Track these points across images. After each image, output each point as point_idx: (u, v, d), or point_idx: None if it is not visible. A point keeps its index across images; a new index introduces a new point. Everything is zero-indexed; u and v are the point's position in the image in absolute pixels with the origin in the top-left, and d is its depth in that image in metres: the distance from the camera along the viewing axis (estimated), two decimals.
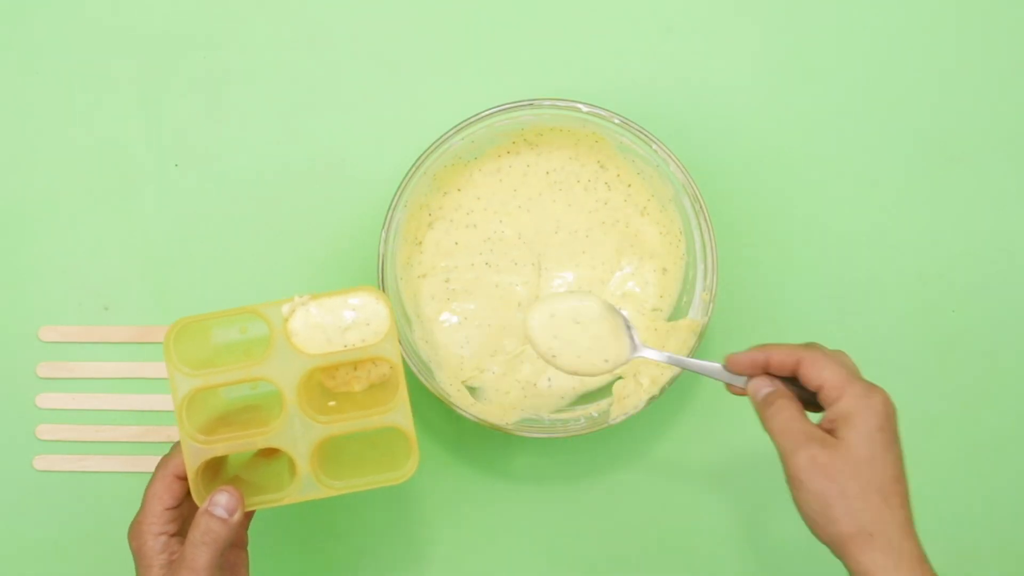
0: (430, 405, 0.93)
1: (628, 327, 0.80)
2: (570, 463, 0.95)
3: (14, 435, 0.95)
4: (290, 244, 0.96)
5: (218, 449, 0.77)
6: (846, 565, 0.68)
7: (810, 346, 0.73)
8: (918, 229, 0.96)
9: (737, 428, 0.95)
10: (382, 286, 0.87)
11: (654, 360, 0.79)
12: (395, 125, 0.96)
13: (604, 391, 0.91)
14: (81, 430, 0.95)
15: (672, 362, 0.79)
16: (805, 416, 0.71)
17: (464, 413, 0.87)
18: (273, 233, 0.96)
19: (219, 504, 0.75)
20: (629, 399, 0.88)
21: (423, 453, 0.94)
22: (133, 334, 0.95)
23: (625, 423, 0.87)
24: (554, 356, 0.79)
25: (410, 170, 0.87)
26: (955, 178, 0.97)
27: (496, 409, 0.90)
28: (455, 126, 0.87)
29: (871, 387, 0.70)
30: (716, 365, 0.77)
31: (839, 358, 0.72)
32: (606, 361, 0.79)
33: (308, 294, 0.78)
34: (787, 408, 0.71)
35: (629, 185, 0.92)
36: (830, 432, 0.70)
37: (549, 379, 0.91)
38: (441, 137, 0.87)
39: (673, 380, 0.87)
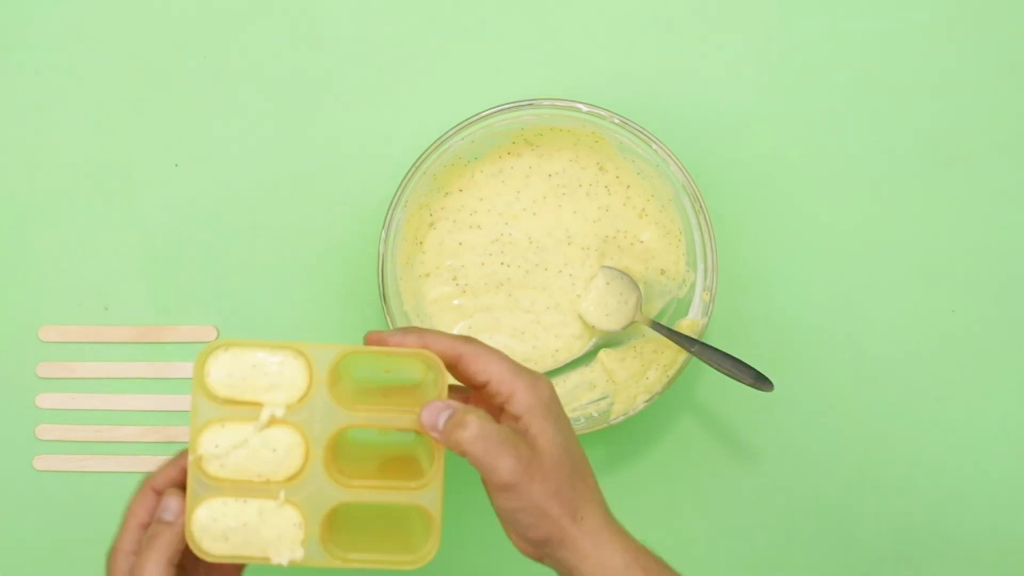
0: None
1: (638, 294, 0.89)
2: None
3: (14, 435, 0.95)
4: (290, 244, 0.95)
5: (225, 490, 0.71)
6: (556, 557, 0.68)
7: (468, 340, 0.70)
8: (918, 229, 0.96)
9: (737, 428, 0.95)
10: (382, 286, 0.87)
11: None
12: (395, 125, 0.96)
13: (599, 390, 0.91)
14: (81, 430, 0.95)
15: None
16: (493, 422, 0.67)
17: None
18: (273, 233, 0.96)
19: (167, 508, 0.71)
20: (630, 400, 0.88)
21: None
22: (133, 334, 0.95)
23: (625, 423, 0.87)
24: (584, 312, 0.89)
25: (410, 170, 0.87)
26: (955, 178, 0.97)
27: None
28: (455, 126, 0.87)
29: (531, 374, 0.68)
30: None
31: (494, 349, 0.69)
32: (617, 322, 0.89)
33: (367, 346, 0.71)
34: (478, 423, 0.66)
35: (628, 186, 0.92)
36: (518, 429, 0.68)
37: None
38: (441, 137, 0.87)
39: (673, 380, 0.87)
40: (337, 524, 0.73)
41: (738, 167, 0.96)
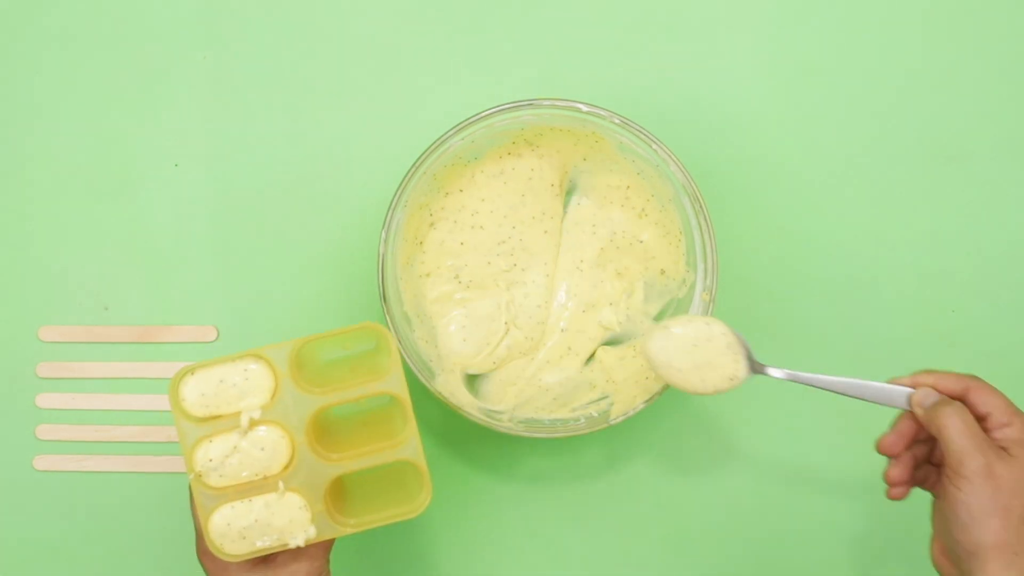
0: (430, 405, 0.93)
1: (744, 347, 0.82)
2: (570, 463, 0.95)
3: (14, 435, 0.95)
4: (290, 244, 0.96)
5: (228, 496, 0.77)
6: (973, 575, 0.70)
7: (975, 376, 0.75)
8: (918, 229, 0.96)
9: (738, 427, 0.95)
10: (382, 286, 0.87)
11: (778, 377, 0.81)
12: (395, 125, 0.96)
13: (599, 390, 0.91)
14: (81, 430, 0.95)
15: (793, 378, 0.81)
16: (981, 429, 0.73)
17: (465, 413, 0.87)
18: (273, 233, 0.96)
19: None
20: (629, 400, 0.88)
21: (424, 453, 0.94)
22: (133, 334, 0.95)
23: (625, 423, 0.87)
24: (674, 379, 0.82)
25: (410, 170, 0.87)
26: (955, 178, 0.97)
27: (497, 407, 0.90)
28: (455, 126, 0.87)
29: None
30: (856, 381, 0.78)
31: (1001, 392, 0.74)
32: (727, 380, 0.82)
33: (314, 335, 0.78)
34: (965, 413, 0.73)
35: (628, 187, 0.92)
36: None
37: (549, 376, 0.92)
38: (441, 137, 0.87)
39: None
40: (342, 497, 0.80)
41: (738, 167, 0.96)
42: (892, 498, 0.78)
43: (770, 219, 0.96)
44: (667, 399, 0.90)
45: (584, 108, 0.87)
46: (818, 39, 0.97)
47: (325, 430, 0.81)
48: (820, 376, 0.80)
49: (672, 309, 0.91)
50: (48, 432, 0.95)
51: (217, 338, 0.95)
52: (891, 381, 0.77)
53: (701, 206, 0.87)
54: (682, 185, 0.88)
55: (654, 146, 0.87)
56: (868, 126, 0.97)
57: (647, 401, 0.87)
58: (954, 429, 0.72)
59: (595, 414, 0.89)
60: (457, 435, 0.95)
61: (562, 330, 0.93)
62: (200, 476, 0.77)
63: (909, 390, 0.76)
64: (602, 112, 0.87)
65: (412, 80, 0.96)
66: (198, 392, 0.77)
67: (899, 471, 0.77)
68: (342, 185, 0.96)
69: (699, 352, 0.82)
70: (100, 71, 0.96)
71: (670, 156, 0.87)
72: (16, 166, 0.96)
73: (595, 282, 0.93)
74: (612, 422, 0.87)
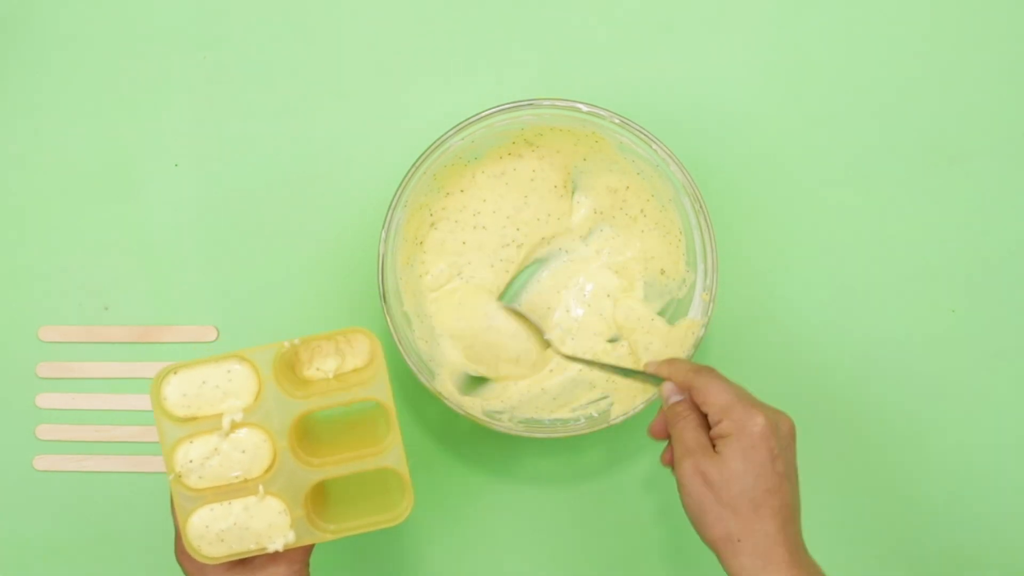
0: (431, 405, 0.93)
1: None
2: (570, 463, 0.95)
3: (14, 435, 0.95)
4: (290, 244, 0.96)
5: (208, 497, 0.76)
6: (722, 565, 0.74)
7: (705, 371, 0.79)
8: (918, 229, 0.96)
9: None
10: (382, 286, 0.87)
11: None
12: (395, 125, 0.96)
13: (599, 390, 0.91)
14: (81, 430, 0.95)
15: (584, 361, 0.86)
16: (702, 429, 0.77)
17: (465, 413, 0.87)
18: (273, 233, 0.96)
19: None
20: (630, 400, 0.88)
21: (424, 453, 0.94)
22: (133, 334, 0.95)
23: (625, 423, 0.87)
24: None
25: (410, 170, 0.87)
26: (955, 178, 0.97)
27: (497, 407, 0.90)
28: (455, 126, 0.87)
29: (753, 411, 0.75)
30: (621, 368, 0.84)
31: (730, 385, 0.78)
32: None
33: (298, 338, 0.77)
34: (687, 418, 0.78)
35: (628, 187, 0.92)
36: (714, 447, 0.76)
37: (551, 376, 0.92)
38: (441, 137, 0.87)
39: None
40: (323, 502, 0.80)
41: (738, 167, 0.96)
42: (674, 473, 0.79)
43: (770, 219, 0.96)
44: None
45: (584, 108, 0.87)
46: (818, 39, 0.97)
47: (307, 431, 0.80)
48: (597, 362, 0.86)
49: (672, 309, 0.91)
50: (48, 432, 0.95)
51: (217, 338, 0.95)
52: (645, 366, 0.83)
53: (701, 206, 0.87)
54: (682, 185, 0.88)
55: (654, 146, 0.87)
56: (868, 126, 0.97)
57: (647, 401, 0.87)
58: (674, 434, 0.78)
59: (595, 414, 0.89)
60: (457, 435, 0.95)
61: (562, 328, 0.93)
62: (179, 477, 0.76)
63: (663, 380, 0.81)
64: (602, 112, 0.87)
65: (412, 80, 0.96)
66: (180, 392, 0.76)
67: (671, 455, 0.79)
68: (342, 185, 0.96)
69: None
70: (100, 71, 0.96)
71: (670, 156, 0.87)
72: (16, 166, 0.96)
73: (597, 282, 0.93)
74: (612, 422, 0.87)
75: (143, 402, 0.95)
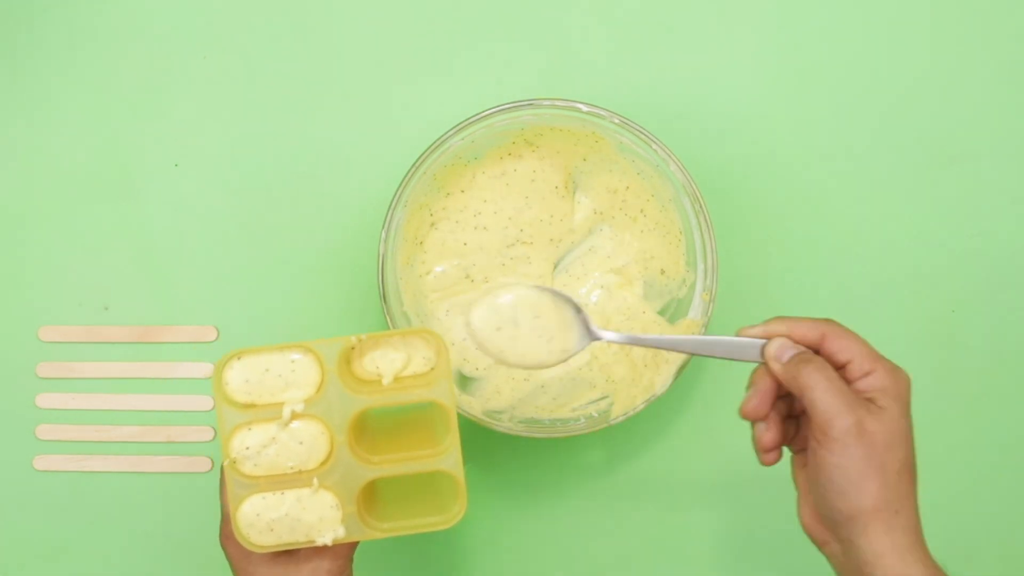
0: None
1: (579, 313, 0.75)
2: (570, 463, 0.95)
3: (14, 435, 0.95)
4: (290, 244, 0.96)
5: (261, 486, 0.76)
6: (854, 542, 0.65)
7: (830, 321, 0.69)
8: (918, 229, 0.96)
9: (737, 427, 0.95)
10: (382, 286, 0.87)
11: (616, 342, 0.74)
12: (395, 125, 0.96)
13: (599, 389, 0.91)
14: (81, 430, 0.95)
15: (634, 341, 0.74)
16: (844, 382, 0.66)
17: (464, 413, 0.87)
18: (273, 233, 0.96)
19: None
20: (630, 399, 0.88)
21: None
22: (133, 334, 0.95)
23: (625, 423, 0.87)
24: (501, 351, 0.76)
25: (410, 170, 0.87)
26: (955, 178, 0.97)
27: (497, 407, 0.90)
28: (455, 126, 0.87)
29: (895, 365, 0.68)
30: (703, 338, 0.72)
31: (857, 335, 0.69)
32: (560, 351, 0.75)
33: (365, 334, 0.77)
34: (828, 368, 0.66)
35: (628, 187, 0.92)
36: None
37: (547, 379, 0.92)
38: (441, 137, 0.87)
39: (674, 380, 0.87)
40: (373, 499, 0.79)
41: (738, 167, 0.96)
42: (767, 464, 0.71)
43: (770, 219, 0.96)
44: (667, 399, 0.90)
45: (584, 108, 0.87)
46: (819, 39, 0.97)
47: (363, 426, 0.80)
48: (664, 337, 0.75)
49: (672, 309, 0.91)
50: (48, 432, 0.95)
51: (217, 338, 0.95)
52: (740, 333, 0.70)
53: (701, 206, 0.87)
54: (682, 185, 0.88)
55: (654, 146, 0.87)
56: (869, 126, 0.97)
57: (647, 401, 0.87)
58: (818, 389, 0.65)
59: (595, 414, 0.89)
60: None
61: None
62: (235, 463, 0.76)
63: (762, 342, 0.69)
64: (602, 112, 0.87)
65: (412, 80, 0.96)
66: (243, 378, 0.76)
67: (773, 434, 0.70)
68: (342, 185, 0.96)
69: (524, 323, 0.75)
70: (100, 71, 0.96)
71: (670, 156, 0.87)
72: (16, 166, 0.96)
73: (599, 282, 0.93)
74: (612, 422, 0.87)
75: (143, 402, 0.95)
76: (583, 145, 0.91)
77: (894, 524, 0.64)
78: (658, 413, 0.94)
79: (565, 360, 0.76)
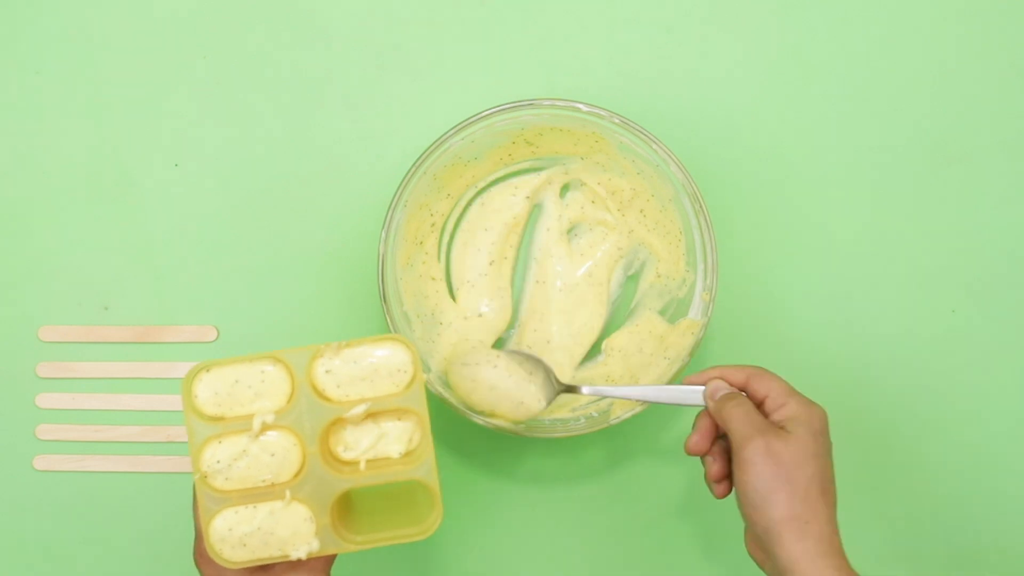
0: (430, 405, 0.93)
1: (547, 371, 0.85)
2: (570, 463, 0.95)
3: (14, 435, 0.95)
4: (290, 244, 0.96)
5: (233, 500, 0.74)
6: (773, 552, 0.72)
7: (756, 367, 0.79)
8: (918, 229, 0.96)
9: None
10: (382, 286, 0.87)
11: (581, 394, 0.84)
12: (395, 125, 0.96)
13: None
14: (81, 430, 0.95)
15: (596, 393, 0.84)
16: (760, 414, 0.76)
17: (464, 413, 0.87)
18: (273, 233, 0.96)
19: None
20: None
21: None
22: (133, 334, 0.95)
23: (625, 423, 0.87)
24: (492, 407, 0.85)
25: (410, 170, 0.87)
26: (955, 178, 0.97)
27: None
28: (455, 126, 0.87)
29: (811, 400, 0.76)
30: (653, 388, 0.81)
31: (779, 377, 0.78)
32: (526, 413, 0.85)
33: (336, 343, 0.75)
34: (747, 403, 0.76)
35: (628, 187, 0.92)
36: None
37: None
38: (441, 137, 0.87)
39: (673, 379, 0.87)
40: (349, 511, 0.78)
41: (738, 167, 0.96)
42: (719, 496, 0.79)
43: (770, 219, 0.96)
44: None
45: (584, 108, 0.87)
46: (819, 39, 0.97)
47: (336, 438, 0.78)
48: (619, 388, 0.82)
49: (672, 309, 0.91)
50: (48, 432, 0.95)
51: (217, 338, 0.95)
52: (684, 381, 0.81)
53: (701, 206, 0.87)
54: (682, 185, 0.88)
55: (654, 146, 0.87)
56: (869, 126, 0.97)
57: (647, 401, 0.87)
58: (735, 419, 0.75)
59: (595, 414, 0.89)
60: (457, 435, 0.95)
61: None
62: (206, 477, 0.74)
63: (702, 388, 0.79)
64: (602, 112, 0.87)
65: (412, 80, 0.96)
66: (212, 390, 0.74)
67: (719, 466, 0.79)
68: (342, 185, 0.96)
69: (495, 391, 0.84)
70: (100, 71, 0.96)
71: (670, 156, 0.87)
72: (16, 166, 0.96)
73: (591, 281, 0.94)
74: (612, 422, 0.87)
75: (143, 402, 0.95)
76: (583, 145, 0.91)
77: (805, 532, 0.71)
78: (658, 413, 0.94)
79: (540, 411, 0.85)
